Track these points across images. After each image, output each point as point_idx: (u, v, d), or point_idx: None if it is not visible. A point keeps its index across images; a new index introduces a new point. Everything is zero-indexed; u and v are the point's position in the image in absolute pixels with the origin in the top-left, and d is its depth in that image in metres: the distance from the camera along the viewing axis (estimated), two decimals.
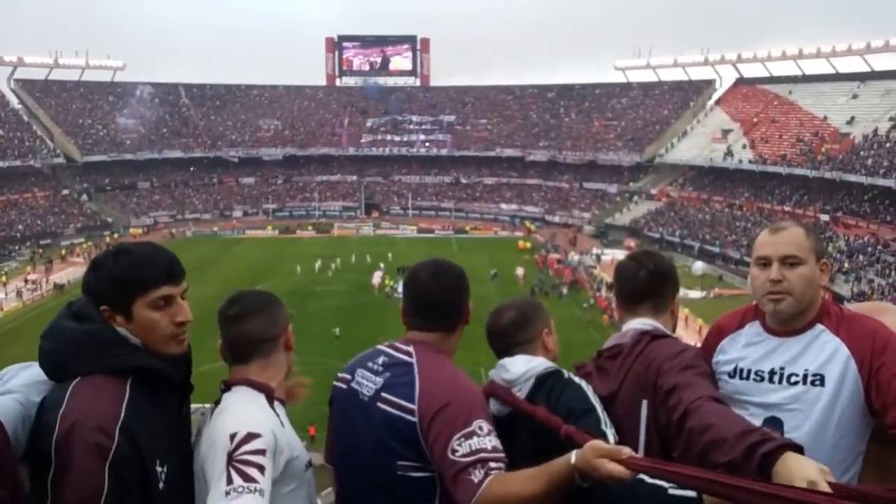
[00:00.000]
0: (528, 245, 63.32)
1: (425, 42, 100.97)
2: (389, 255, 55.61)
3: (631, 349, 2.38)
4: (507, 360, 2.33)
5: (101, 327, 1.94)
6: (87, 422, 1.79)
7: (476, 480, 1.90)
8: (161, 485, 1.89)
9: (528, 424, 2.16)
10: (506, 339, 2.41)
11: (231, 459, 1.84)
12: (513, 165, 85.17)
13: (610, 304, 38.64)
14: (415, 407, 2.08)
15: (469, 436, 1.96)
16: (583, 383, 2.24)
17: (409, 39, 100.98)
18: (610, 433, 2.06)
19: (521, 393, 2.24)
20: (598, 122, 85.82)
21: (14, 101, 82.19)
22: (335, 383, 2.38)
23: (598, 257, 56.07)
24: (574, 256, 57.48)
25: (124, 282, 1.96)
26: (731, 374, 2.34)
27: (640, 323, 2.46)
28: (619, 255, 45.42)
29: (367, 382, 2.24)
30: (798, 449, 1.70)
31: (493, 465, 1.92)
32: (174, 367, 2.03)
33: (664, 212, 68.23)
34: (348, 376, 2.32)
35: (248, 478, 1.81)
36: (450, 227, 73.33)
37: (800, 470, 1.62)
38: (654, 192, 72.91)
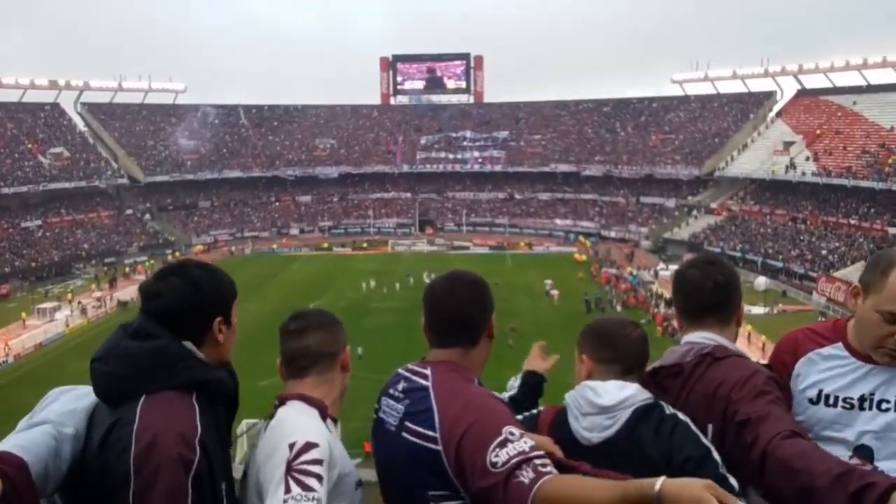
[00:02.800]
0: (584, 258, 63.04)
1: (478, 59, 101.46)
2: (428, 273, 48.75)
3: (692, 370, 2.22)
4: (596, 384, 2.17)
5: (168, 343, 1.94)
6: (170, 434, 1.79)
7: (527, 481, 1.74)
8: (224, 503, 1.89)
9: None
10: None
11: (290, 468, 1.82)
12: (567, 181, 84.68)
13: (665, 319, 37.94)
14: (437, 435, 1.98)
15: (503, 444, 1.83)
16: (688, 420, 2.07)
17: (463, 57, 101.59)
18: (731, 477, 1.93)
19: (614, 422, 2.12)
20: (654, 136, 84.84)
21: (80, 124, 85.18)
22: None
23: (657, 273, 55.03)
24: (633, 271, 56.64)
25: (218, 297, 2.08)
26: (815, 400, 2.21)
27: (701, 337, 2.30)
28: None
29: (391, 411, 2.15)
30: None
31: (538, 461, 1.77)
32: (234, 383, 2.09)
33: (724, 226, 66.95)
34: (376, 405, 2.24)
35: (306, 487, 1.79)
36: (504, 242, 73.31)
37: None
38: (713, 205, 71.59)
